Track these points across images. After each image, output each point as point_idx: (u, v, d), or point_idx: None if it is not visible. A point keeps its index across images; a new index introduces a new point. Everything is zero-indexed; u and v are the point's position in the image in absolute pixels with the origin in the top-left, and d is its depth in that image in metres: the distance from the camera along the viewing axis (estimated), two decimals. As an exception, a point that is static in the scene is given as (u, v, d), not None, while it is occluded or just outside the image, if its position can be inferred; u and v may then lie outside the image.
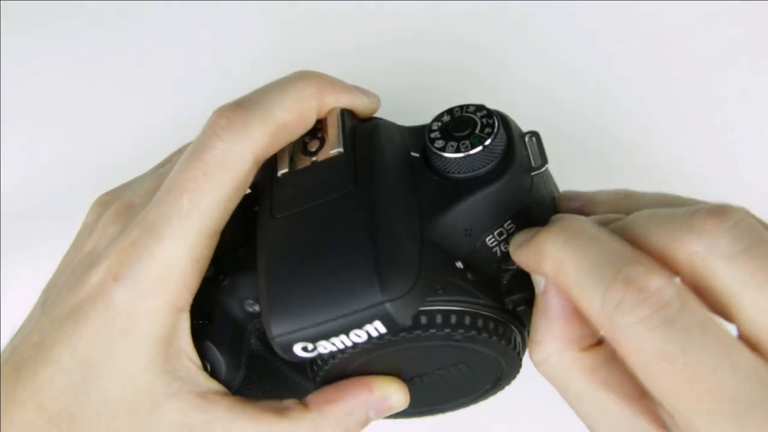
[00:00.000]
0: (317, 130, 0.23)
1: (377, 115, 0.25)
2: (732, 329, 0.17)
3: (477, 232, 0.22)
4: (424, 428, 0.27)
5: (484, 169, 0.21)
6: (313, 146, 0.23)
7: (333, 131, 0.23)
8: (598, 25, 0.38)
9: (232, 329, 0.24)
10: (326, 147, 0.22)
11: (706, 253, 0.17)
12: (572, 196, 0.23)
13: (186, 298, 0.22)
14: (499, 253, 0.22)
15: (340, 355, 0.21)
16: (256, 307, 0.23)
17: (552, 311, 0.20)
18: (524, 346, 0.23)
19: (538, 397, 0.28)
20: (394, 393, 0.23)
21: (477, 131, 0.22)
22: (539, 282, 0.20)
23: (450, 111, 0.23)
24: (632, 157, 0.35)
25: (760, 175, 0.34)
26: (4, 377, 0.21)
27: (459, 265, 0.22)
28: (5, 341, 0.23)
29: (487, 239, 0.22)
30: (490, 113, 0.22)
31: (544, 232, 0.19)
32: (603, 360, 0.19)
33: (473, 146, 0.21)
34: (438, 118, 0.23)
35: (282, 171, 0.23)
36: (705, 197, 0.19)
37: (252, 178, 0.22)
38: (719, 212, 0.17)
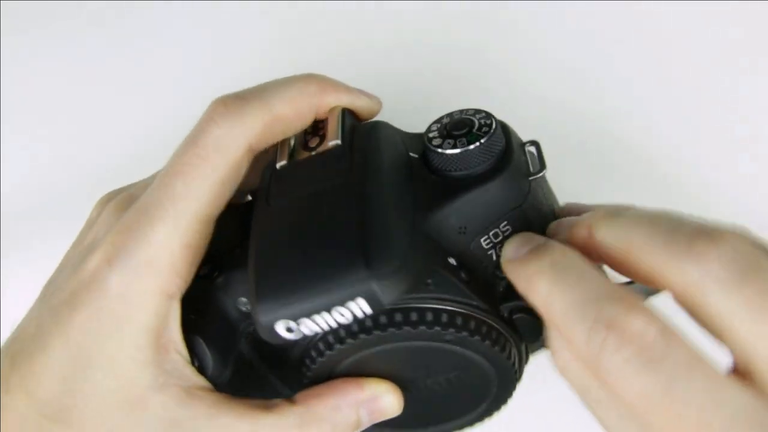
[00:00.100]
0: (319, 129, 0.23)
1: (378, 118, 0.25)
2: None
3: (471, 230, 0.22)
4: None
5: (480, 167, 0.21)
6: (314, 142, 0.23)
7: (333, 126, 0.23)
8: (598, 25, 0.37)
9: (223, 326, 0.23)
10: (325, 141, 0.23)
11: (701, 279, 0.16)
12: (574, 209, 0.23)
13: (177, 284, 0.21)
14: (494, 257, 0.22)
15: (328, 352, 0.21)
16: (250, 308, 0.23)
17: None
18: (521, 359, 0.23)
19: (543, 401, 0.28)
20: (386, 393, 0.23)
21: (474, 130, 0.22)
22: None
23: (450, 114, 0.23)
24: (632, 157, 0.35)
25: (760, 175, 0.34)
26: (3, 368, 0.21)
27: (452, 261, 0.21)
28: (5, 340, 0.23)
29: (482, 240, 0.22)
30: (489, 116, 0.22)
31: (534, 262, 0.19)
32: None
33: (470, 143, 0.21)
34: (438, 120, 0.23)
35: (281, 164, 0.23)
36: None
37: (246, 166, 0.23)
38: (716, 236, 0.17)
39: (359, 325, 0.21)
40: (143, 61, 0.43)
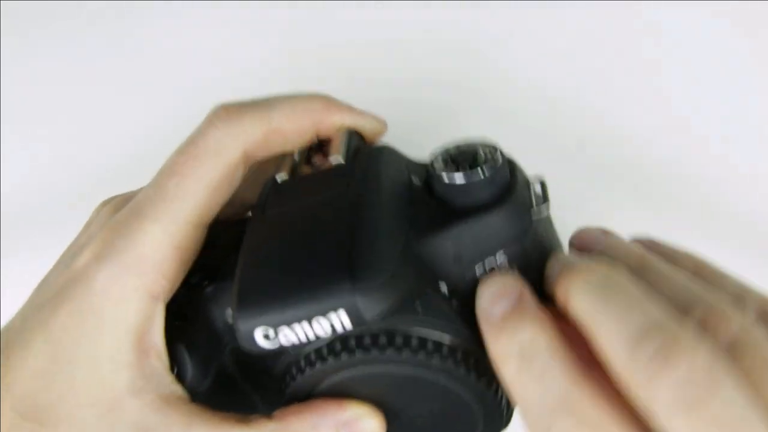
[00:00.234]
0: (324, 147, 0.24)
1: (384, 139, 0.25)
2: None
3: (467, 259, 0.21)
4: None
5: (482, 197, 0.21)
6: (318, 160, 0.23)
7: (337, 145, 0.23)
8: (598, 25, 0.37)
9: (207, 336, 0.23)
10: (329, 159, 0.23)
11: (650, 396, 0.16)
12: (585, 241, 0.22)
13: (162, 285, 0.21)
14: None
15: (309, 369, 0.21)
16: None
17: None
18: (510, 400, 0.22)
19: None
20: (367, 416, 0.22)
21: (480, 161, 0.22)
22: None
23: (456, 142, 0.23)
24: (632, 157, 0.35)
25: (761, 176, 0.34)
26: None
27: (443, 288, 0.21)
28: (5, 340, 0.23)
29: (476, 270, 0.21)
30: (496, 148, 0.22)
31: (503, 340, 0.19)
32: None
33: (473, 173, 0.21)
34: (444, 148, 0.23)
35: (282, 178, 0.23)
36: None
37: (241, 173, 0.23)
38: (678, 353, 0.15)
39: (341, 344, 0.20)
40: (143, 61, 0.43)
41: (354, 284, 0.18)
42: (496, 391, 0.21)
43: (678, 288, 0.18)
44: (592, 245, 0.22)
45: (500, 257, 0.21)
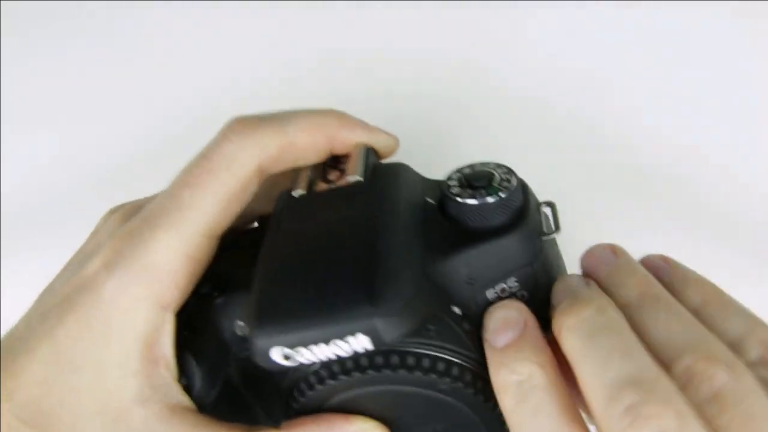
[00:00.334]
0: (340, 163, 0.24)
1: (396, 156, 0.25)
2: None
3: (480, 283, 0.21)
4: None
5: (496, 221, 0.21)
6: (334, 176, 0.23)
7: (355, 163, 0.23)
8: (598, 25, 0.37)
9: (216, 347, 0.23)
10: (346, 176, 0.23)
11: None
12: (592, 262, 0.22)
13: (173, 295, 0.21)
14: None
15: (319, 386, 0.21)
16: (246, 331, 0.23)
17: None
18: None
19: None
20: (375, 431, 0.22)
21: (494, 184, 0.22)
22: None
23: (471, 164, 0.23)
24: (632, 157, 0.35)
25: (761, 176, 0.34)
26: None
27: (456, 310, 0.21)
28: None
29: (488, 293, 0.21)
30: (510, 171, 0.22)
31: (504, 371, 0.19)
32: None
33: (488, 195, 0.21)
34: (458, 170, 0.23)
35: (299, 193, 0.23)
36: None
37: (255, 187, 0.23)
38: (640, 416, 0.16)
39: (354, 363, 0.20)
40: (144, 61, 0.43)
41: (375, 308, 0.18)
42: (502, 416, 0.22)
43: (671, 332, 0.19)
44: (599, 268, 0.22)
45: (511, 281, 0.21)
